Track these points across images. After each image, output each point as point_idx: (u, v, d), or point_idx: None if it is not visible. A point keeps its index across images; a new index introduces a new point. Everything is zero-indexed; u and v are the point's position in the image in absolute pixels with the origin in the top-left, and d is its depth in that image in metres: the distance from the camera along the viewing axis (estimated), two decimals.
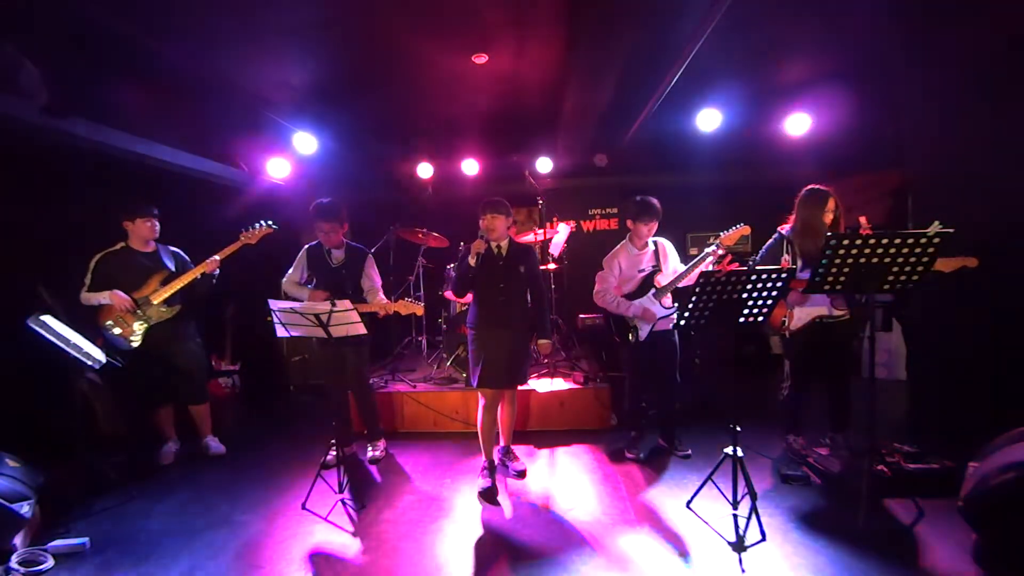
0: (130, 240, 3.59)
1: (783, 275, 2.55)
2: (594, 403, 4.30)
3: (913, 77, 4.00)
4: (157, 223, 3.62)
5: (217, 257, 3.60)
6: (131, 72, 3.67)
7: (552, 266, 5.15)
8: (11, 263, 3.68)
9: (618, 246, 3.64)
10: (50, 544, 2.68)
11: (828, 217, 3.19)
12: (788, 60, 4.12)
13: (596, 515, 2.95)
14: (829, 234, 3.09)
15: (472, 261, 3.17)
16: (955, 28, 3.52)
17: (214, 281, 3.72)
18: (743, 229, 3.34)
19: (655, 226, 3.51)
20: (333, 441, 3.25)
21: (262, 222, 3.68)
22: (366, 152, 6.11)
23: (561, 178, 6.44)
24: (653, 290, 3.48)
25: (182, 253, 3.79)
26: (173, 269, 3.65)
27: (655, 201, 3.47)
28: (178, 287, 3.57)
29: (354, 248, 3.75)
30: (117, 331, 3.47)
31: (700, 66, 3.64)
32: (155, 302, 3.53)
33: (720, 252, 3.31)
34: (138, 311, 3.51)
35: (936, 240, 2.44)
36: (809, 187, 3.26)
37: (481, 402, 3.32)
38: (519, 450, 3.69)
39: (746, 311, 2.67)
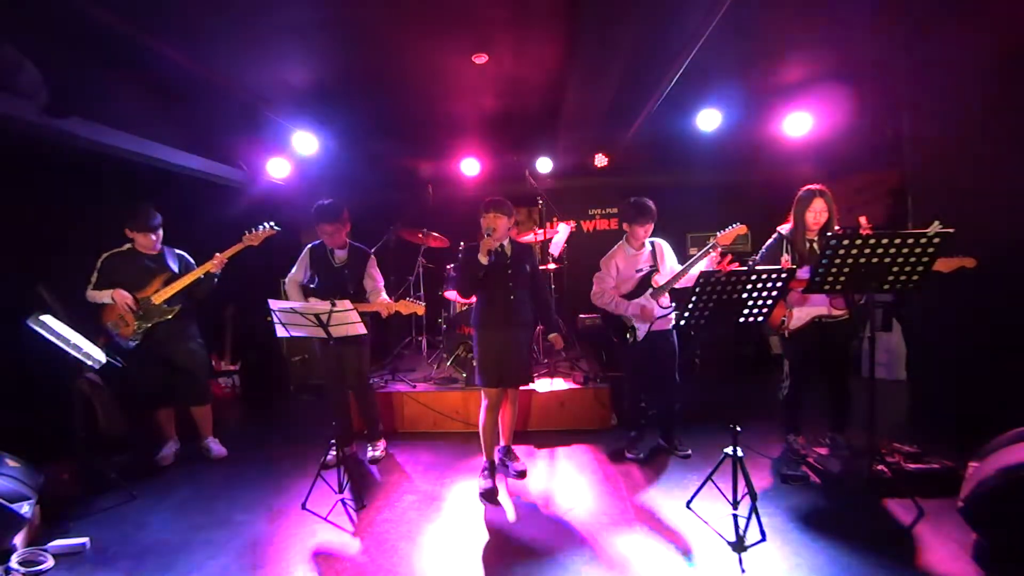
0: (135, 244, 3.60)
1: (783, 275, 2.56)
2: (594, 403, 4.31)
3: (913, 77, 4.00)
4: (158, 236, 3.61)
5: (221, 256, 3.60)
6: (131, 72, 3.67)
7: (552, 266, 5.15)
8: (11, 263, 3.68)
9: (615, 247, 3.65)
10: (50, 544, 2.68)
11: (810, 217, 3.20)
12: (788, 60, 4.12)
13: (596, 515, 2.95)
14: (829, 234, 3.11)
15: (484, 259, 3.11)
16: (955, 29, 3.52)
17: (216, 280, 3.72)
18: (739, 228, 3.34)
19: (651, 227, 3.51)
20: (333, 441, 3.24)
21: (265, 224, 3.67)
22: (366, 152, 6.11)
23: (561, 178, 6.45)
24: (650, 289, 3.48)
25: (187, 256, 3.79)
26: (177, 271, 3.65)
27: (650, 202, 3.48)
28: (180, 287, 3.57)
29: (357, 248, 3.74)
30: (118, 331, 3.49)
31: (700, 66, 3.64)
32: (156, 302, 3.54)
33: (716, 252, 3.31)
34: (139, 311, 3.52)
35: (936, 240, 2.44)
36: (804, 187, 3.27)
37: (484, 402, 3.32)
38: (519, 450, 3.69)
39: (746, 311, 2.67)
